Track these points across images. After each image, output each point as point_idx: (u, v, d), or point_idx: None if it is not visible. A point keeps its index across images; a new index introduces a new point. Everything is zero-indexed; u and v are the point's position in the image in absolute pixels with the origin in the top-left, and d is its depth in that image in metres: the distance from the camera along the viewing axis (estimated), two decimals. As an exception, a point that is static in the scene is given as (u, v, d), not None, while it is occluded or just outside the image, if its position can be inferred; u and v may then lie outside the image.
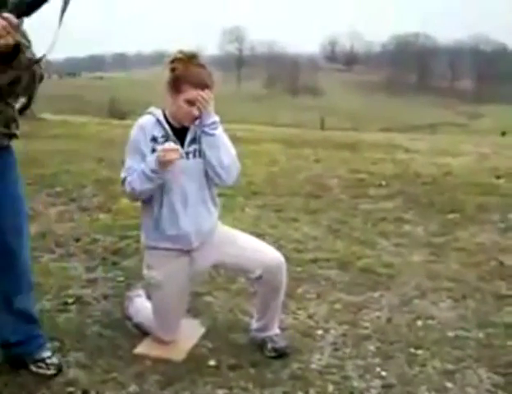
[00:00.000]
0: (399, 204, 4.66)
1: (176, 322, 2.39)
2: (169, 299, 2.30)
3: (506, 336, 2.50)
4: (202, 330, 2.52)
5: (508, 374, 2.20)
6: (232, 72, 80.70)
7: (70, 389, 2.06)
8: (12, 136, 1.98)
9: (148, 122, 2.20)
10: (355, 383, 2.14)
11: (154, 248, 2.28)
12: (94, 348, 2.34)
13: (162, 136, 2.18)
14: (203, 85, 2.16)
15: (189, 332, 2.47)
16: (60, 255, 3.41)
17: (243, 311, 2.70)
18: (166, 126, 2.19)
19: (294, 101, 66.26)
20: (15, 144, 2.04)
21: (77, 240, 3.67)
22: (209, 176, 2.25)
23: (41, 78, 1.93)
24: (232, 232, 2.41)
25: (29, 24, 1.86)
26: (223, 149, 2.22)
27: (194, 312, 2.67)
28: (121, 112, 30.83)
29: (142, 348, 2.36)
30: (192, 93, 2.15)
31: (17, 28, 1.67)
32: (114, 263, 3.29)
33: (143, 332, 2.46)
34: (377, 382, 2.15)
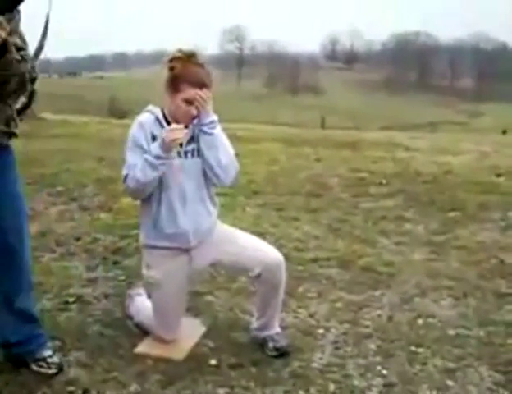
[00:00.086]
0: (399, 203, 4.65)
1: (176, 321, 2.39)
2: (168, 298, 2.30)
3: (507, 334, 2.50)
4: (203, 329, 2.52)
5: (509, 372, 2.20)
6: (233, 71, 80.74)
7: (71, 388, 2.06)
8: (12, 135, 1.98)
9: (147, 120, 2.20)
10: (356, 382, 2.14)
11: (153, 247, 2.28)
12: (95, 347, 2.34)
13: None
14: (202, 84, 2.16)
15: (190, 332, 2.47)
16: (60, 254, 3.41)
17: (243, 310, 2.70)
18: (166, 125, 2.19)
19: (294, 100, 66.22)
20: (15, 144, 2.04)
21: (78, 239, 3.67)
22: (207, 176, 2.25)
23: (33, 78, 1.92)
24: (232, 231, 2.40)
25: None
26: (221, 149, 2.22)
27: (194, 311, 2.67)
28: (121, 111, 30.83)
29: (143, 347, 2.36)
30: (190, 92, 2.14)
31: (1, 25, 1.64)
32: (115, 263, 3.29)
33: (143, 332, 2.46)
34: (378, 381, 2.15)
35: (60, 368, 2.14)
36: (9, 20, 1.81)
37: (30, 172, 4.99)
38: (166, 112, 2.22)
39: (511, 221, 4.16)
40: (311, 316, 2.68)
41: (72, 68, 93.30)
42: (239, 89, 72.54)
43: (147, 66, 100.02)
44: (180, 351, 2.33)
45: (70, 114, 15.91)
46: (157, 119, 2.20)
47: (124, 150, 2.20)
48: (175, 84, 2.17)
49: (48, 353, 2.16)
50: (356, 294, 2.92)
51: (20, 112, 2.03)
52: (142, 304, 2.53)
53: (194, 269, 2.35)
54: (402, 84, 75.29)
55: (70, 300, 2.78)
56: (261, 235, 3.20)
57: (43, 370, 2.13)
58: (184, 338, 2.41)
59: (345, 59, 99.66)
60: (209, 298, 2.85)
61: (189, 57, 2.17)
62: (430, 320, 2.64)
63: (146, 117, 2.21)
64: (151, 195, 2.21)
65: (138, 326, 2.51)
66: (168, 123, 2.19)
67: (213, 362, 2.26)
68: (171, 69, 2.17)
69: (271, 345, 2.32)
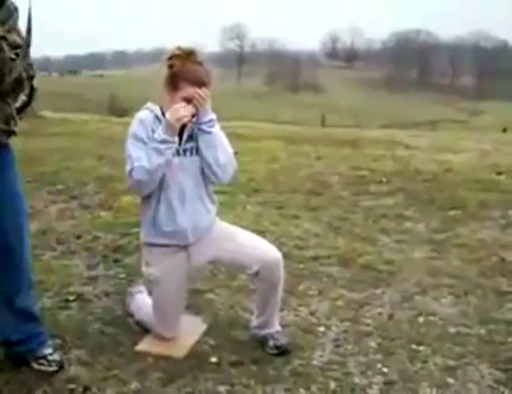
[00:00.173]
0: (399, 201, 4.65)
1: (176, 319, 2.39)
2: (167, 295, 2.31)
3: (507, 332, 2.50)
4: (203, 327, 2.52)
5: (509, 370, 2.20)
6: (233, 69, 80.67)
7: (72, 386, 2.06)
8: (11, 133, 1.98)
9: (147, 117, 2.19)
10: (357, 380, 2.14)
11: (152, 245, 2.28)
12: (96, 345, 2.34)
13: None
14: (200, 83, 2.15)
15: (191, 329, 2.47)
16: (61, 253, 3.41)
17: (244, 308, 2.70)
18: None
19: (294, 98, 66.16)
20: (14, 142, 2.04)
21: (78, 237, 3.67)
22: (205, 174, 2.24)
23: (31, 76, 1.91)
24: (231, 229, 2.40)
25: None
26: (220, 148, 2.21)
27: (195, 309, 2.67)
28: (121, 109, 30.80)
29: (143, 345, 2.36)
30: (189, 90, 2.14)
31: None
32: (115, 261, 3.29)
33: (144, 329, 2.46)
34: (379, 379, 2.15)
35: (60, 366, 2.14)
36: (7, 18, 1.80)
37: (30, 171, 4.99)
38: (165, 110, 2.22)
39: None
40: (311, 314, 2.68)
41: (72, 66, 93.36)
42: (239, 87, 72.50)
43: (147, 65, 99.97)
44: (180, 349, 2.33)
45: (71, 112, 15.90)
46: (157, 117, 2.19)
47: (124, 148, 2.18)
48: (173, 82, 2.16)
49: (48, 351, 2.16)
50: (357, 292, 2.92)
51: (21, 110, 2.02)
52: (142, 302, 2.53)
53: (193, 266, 2.35)
54: (402, 82, 75.24)
55: (71, 298, 2.78)
56: (261, 233, 3.20)
57: (43, 368, 2.13)
58: (184, 336, 2.41)
59: (345, 57, 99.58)
60: (210, 296, 2.85)
61: (188, 55, 2.16)
62: (430, 318, 2.64)
63: (146, 114, 2.20)
64: (150, 194, 2.21)
65: (138, 324, 2.51)
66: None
67: (214, 360, 2.26)
68: (170, 67, 2.17)
69: (271, 343, 2.32)
